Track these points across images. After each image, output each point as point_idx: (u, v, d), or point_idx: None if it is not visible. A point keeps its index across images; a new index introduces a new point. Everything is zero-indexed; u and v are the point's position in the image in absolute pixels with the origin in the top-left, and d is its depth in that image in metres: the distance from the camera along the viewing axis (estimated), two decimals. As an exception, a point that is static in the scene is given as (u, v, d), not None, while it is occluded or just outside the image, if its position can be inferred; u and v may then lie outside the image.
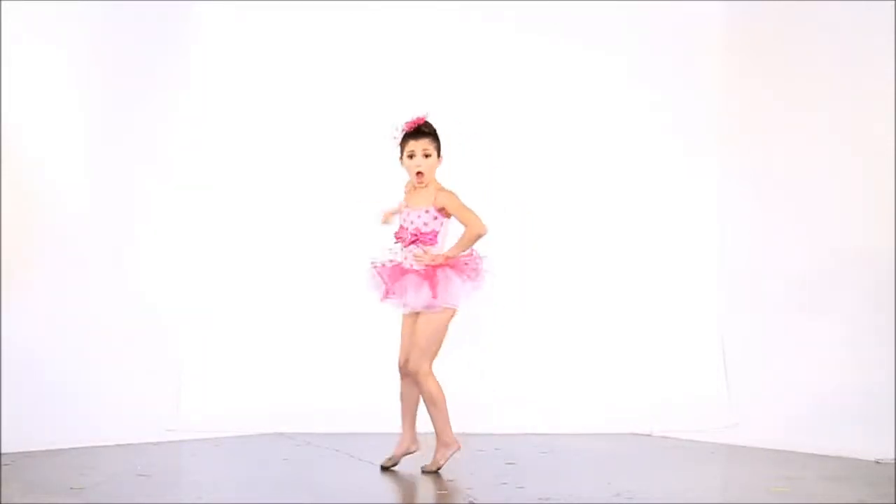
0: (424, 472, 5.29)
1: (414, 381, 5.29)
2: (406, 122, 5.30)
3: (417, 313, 5.27)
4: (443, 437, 5.33)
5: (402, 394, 5.40)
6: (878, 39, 6.49)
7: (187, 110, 7.19)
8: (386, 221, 5.47)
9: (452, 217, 5.30)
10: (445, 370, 7.07)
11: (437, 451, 5.34)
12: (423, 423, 5.44)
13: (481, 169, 7.30)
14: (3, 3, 6.62)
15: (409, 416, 5.41)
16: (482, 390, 7.02)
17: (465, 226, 5.24)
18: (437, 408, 5.31)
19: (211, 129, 7.21)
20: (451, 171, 7.21)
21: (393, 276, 5.26)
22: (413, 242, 5.25)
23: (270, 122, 7.24)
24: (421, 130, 5.27)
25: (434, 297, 5.19)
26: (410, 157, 5.26)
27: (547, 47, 7.37)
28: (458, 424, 6.76)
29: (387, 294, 5.27)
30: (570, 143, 7.39)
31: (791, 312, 6.97)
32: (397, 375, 5.40)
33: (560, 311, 7.26)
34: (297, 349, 7.07)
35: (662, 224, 7.41)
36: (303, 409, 6.81)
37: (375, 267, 5.34)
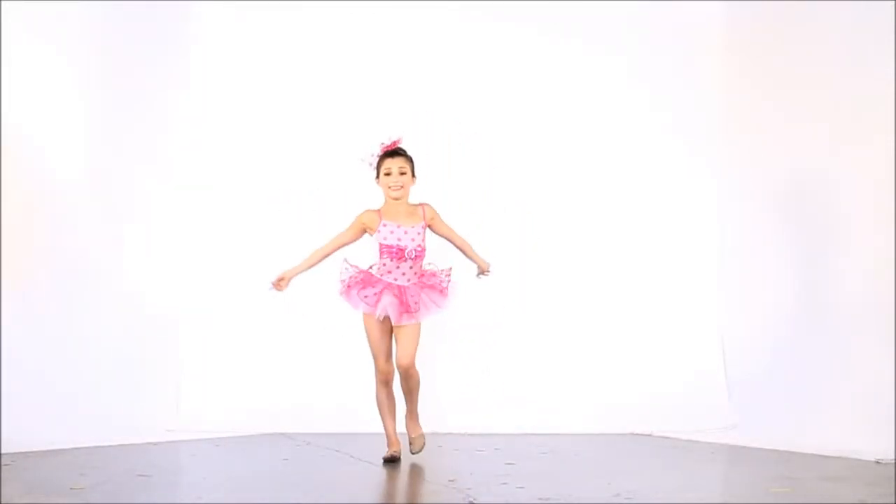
0: (416, 452, 5.65)
1: (408, 374, 5.62)
2: (382, 145, 5.60)
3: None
4: (417, 413, 5.77)
5: (385, 400, 5.72)
6: (878, 39, 6.48)
7: (187, 110, 7.19)
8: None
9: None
10: (446, 370, 7.12)
11: (417, 429, 5.73)
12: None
13: (481, 169, 7.31)
14: (3, 3, 6.62)
15: (394, 416, 5.78)
16: (482, 390, 7.02)
17: (452, 238, 5.70)
18: (418, 392, 5.74)
19: (211, 129, 7.22)
20: (452, 170, 7.28)
21: (401, 296, 5.53)
22: (417, 260, 5.57)
23: (270, 122, 7.25)
24: (396, 150, 5.62)
25: (445, 299, 5.66)
26: (387, 174, 5.55)
27: (547, 47, 7.38)
28: (458, 424, 6.80)
29: (403, 314, 5.52)
30: (571, 143, 7.39)
31: (791, 313, 6.97)
32: (377, 381, 5.70)
33: (560, 312, 7.26)
34: (297, 349, 7.07)
35: (663, 224, 7.41)
36: (303, 409, 6.81)
37: (369, 287, 5.55)
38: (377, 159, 5.59)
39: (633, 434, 6.77)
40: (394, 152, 5.58)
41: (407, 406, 5.76)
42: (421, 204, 5.64)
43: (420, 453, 5.71)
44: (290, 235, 7.14)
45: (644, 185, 7.42)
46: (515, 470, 5.45)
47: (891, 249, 6.39)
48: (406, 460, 5.58)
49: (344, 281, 5.58)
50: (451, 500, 4.68)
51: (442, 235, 5.69)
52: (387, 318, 5.54)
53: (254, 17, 7.26)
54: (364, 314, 5.59)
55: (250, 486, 5.07)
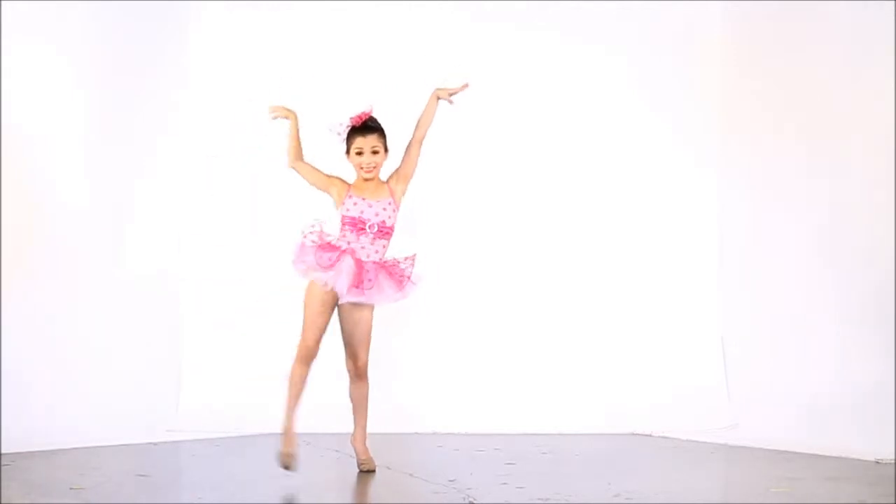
0: (368, 470, 5.30)
1: (361, 377, 5.33)
2: (351, 118, 5.28)
3: (349, 307, 5.23)
4: (366, 432, 5.39)
5: (299, 381, 5.25)
6: (878, 39, 6.49)
7: (187, 110, 7.19)
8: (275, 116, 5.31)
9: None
10: (445, 369, 7.12)
11: (366, 448, 5.38)
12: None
13: (480, 169, 7.31)
14: (3, 3, 6.62)
15: (299, 403, 5.30)
16: (482, 390, 7.02)
17: (414, 143, 5.31)
18: (367, 406, 5.39)
19: (210, 129, 7.21)
20: (451, 171, 7.27)
21: (357, 267, 5.15)
22: (379, 237, 5.21)
23: (270, 121, 7.22)
24: (368, 126, 5.24)
25: (399, 293, 5.25)
26: (359, 153, 5.23)
27: (546, 47, 7.37)
28: (458, 424, 6.80)
29: (353, 288, 5.13)
30: (570, 142, 7.39)
31: (791, 312, 6.97)
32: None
33: (560, 311, 7.26)
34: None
35: (662, 224, 7.41)
36: (302, 409, 6.80)
37: (328, 251, 5.15)
38: (347, 132, 5.26)
39: (633, 434, 6.77)
40: (365, 127, 5.23)
41: (357, 421, 5.39)
42: (385, 182, 5.28)
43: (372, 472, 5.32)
44: (290, 234, 7.13)
45: (644, 185, 7.41)
46: (515, 470, 5.45)
47: (891, 249, 6.39)
48: (407, 460, 5.57)
49: (305, 234, 5.18)
50: (451, 500, 4.68)
51: (415, 154, 5.29)
52: (332, 296, 5.13)
53: (254, 17, 7.25)
54: (310, 282, 5.17)
55: (250, 486, 5.07)
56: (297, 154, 5.33)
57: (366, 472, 5.31)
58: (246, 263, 7.14)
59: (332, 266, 5.12)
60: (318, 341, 5.22)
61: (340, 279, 5.11)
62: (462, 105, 7.28)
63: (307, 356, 5.22)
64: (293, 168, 5.32)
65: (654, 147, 7.42)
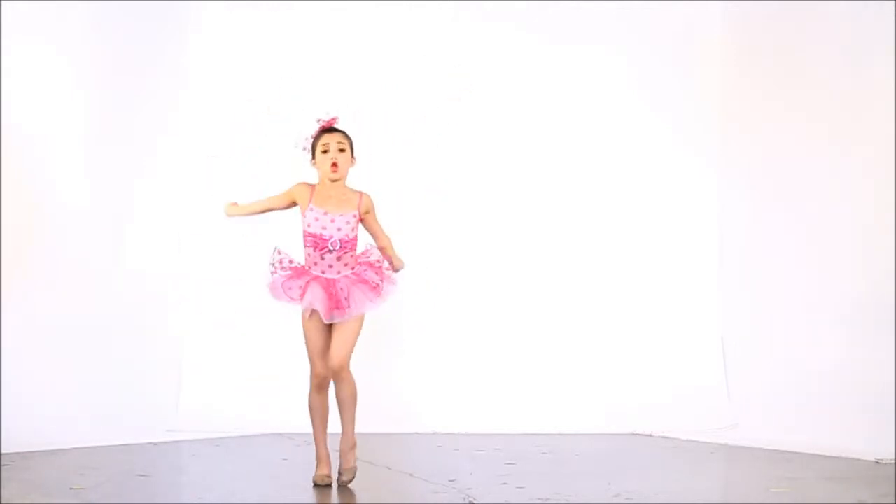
0: (344, 483, 5.06)
1: (340, 378, 5.11)
2: (320, 121, 5.23)
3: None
4: (353, 438, 5.18)
5: (318, 407, 5.19)
6: (878, 39, 6.49)
7: (187, 110, 7.19)
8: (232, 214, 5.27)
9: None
10: (445, 369, 7.12)
11: (349, 457, 5.14)
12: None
13: (480, 169, 7.31)
14: (3, 3, 6.62)
15: (325, 428, 5.25)
16: (482, 390, 7.02)
17: (378, 236, 5.20)
18: (355, 406, 5.17)
19: (210, 129, 7.21)
20: (451, 172, 7.26)
21: (328, 289, 5.06)
22: (344, 251, 5.10)
23: (270, 121, 7.24)
24: (334, 128, 5.21)
25: (378, 297, 5.12)
26: (324, 151, 5.14)
27: (546, 47, 7.37)
28: (458, 424, 6.80)
29: (333, 309, 5.04)
30: (570, 142, 7.39)
31: (791, 312, 6.97)
32: (308, 388, 5.20)
33: (561, 312, 7.26)
34: (297, 349, 7.04)
35: (662, 224, 7.41)
36: (303, 410, 6.80)
37: (297, 279, 5.11)
38: (313, 138, 5.19)
39: (633, 434, 6.77)
40: (331, 128, 5.19)
41: (342, 426, 5.15)
42: (360, 192, 5.15)
43: (352, 483, 5.09)
44: (289, 234, 7.13)
45: (644, 185, 7.42)
46: (515, 470, 5.45)
47: (891, 249, 6.39)
48: (407, 460, 5.56)
49: (273, 263, 5.13)
50: (451, 500, 4.68)
51: (369, 231, 5.19)
52: (320, 319, 5.07)
53: (254, 18, 7.26)
54: (302, 312, 5.14)
55: (250, 486, 5.07)
56: (253, 207, 5.28)
57: (343, 483, 5.06)
58: (246, 263, 7.13)
59: (301, 296, 5.07)
60: (326, 364, 5.12)
61: (317, 305, 5.04)
62: (462, 105, 7.34)
63: (318, 384, 5.16)
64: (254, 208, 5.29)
65: (654, 147, 7.42)
